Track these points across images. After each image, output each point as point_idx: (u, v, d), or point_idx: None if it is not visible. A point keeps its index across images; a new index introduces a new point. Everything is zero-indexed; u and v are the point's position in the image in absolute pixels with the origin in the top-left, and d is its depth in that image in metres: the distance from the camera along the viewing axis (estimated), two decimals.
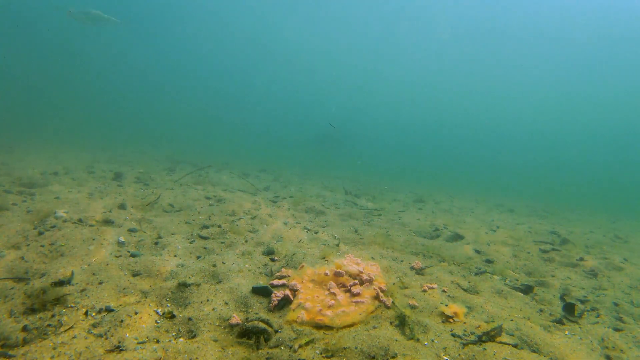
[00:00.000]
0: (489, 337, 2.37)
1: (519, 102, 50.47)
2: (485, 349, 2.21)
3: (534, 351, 2.29)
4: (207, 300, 2.49)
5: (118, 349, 1.87)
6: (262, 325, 2.18)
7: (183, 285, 2.60)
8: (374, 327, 2.37)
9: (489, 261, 4.35)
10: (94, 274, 2.69)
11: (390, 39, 43.55)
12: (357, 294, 2.68)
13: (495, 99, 52.76)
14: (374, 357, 2.02)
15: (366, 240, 4.57)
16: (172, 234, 3.96)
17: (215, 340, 2.07)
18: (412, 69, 51.04)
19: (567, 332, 2.65)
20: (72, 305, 2.24)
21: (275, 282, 2.86)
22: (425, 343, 2.22)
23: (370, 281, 2.88)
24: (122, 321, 2.10)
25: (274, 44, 45.64)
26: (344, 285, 2.80)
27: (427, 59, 49.14)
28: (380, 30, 41.48)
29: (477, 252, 4.73)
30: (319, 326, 2.31)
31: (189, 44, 48.11)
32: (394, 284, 3.21)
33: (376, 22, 39.74)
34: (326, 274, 2.89)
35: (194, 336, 2.11)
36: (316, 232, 4.81)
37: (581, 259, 4.89)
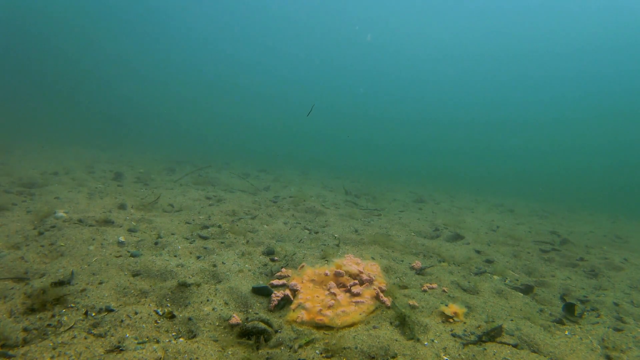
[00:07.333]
0: (489, 337, 2.37)
1: (519, 101, 50.50)
2: (485, 349, 2.21)
3: (534, 351, 2.29)
4: (207, 300, 2.49)
5: (118, 349, 1.87)
6: (262, 325, 2.18)
7: (183, 285, 2.60)
8: (374, 327, 2.37)
9: (489, 261, 4.35)
10: (94, 274, 2.69)
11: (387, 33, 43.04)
12: (357, 294, 2.68)
13: (495, 98, 52.80)
14: (374, 357, 2.02)
15: (366, 240, 4.56)
16: (172, 234, 3.96)
17: (215, 340, 2.07)
18: (406, 61, 50.83)
19: (567, 332, 2.65)
20: (72, 305, 2.24)
21: (275, 282, 2.86)
22: (425, 343, 2.22)
23: (371, 281, 2.88)
24: (122, 321, 2.10)
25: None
26: (344, 285, 2.79)
27: (424, 54, 49.17)
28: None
29: (477, 252, 4.73)
30: (319, 326, 2.31)
31: (181, 40, 47.54)
32: (394, 284, 3.21)
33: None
34: (326, 274, 2.89)
35: (194, 336, 2.11)
36: (316, 232, 4.81)
37: (581, 259, 4.90)
